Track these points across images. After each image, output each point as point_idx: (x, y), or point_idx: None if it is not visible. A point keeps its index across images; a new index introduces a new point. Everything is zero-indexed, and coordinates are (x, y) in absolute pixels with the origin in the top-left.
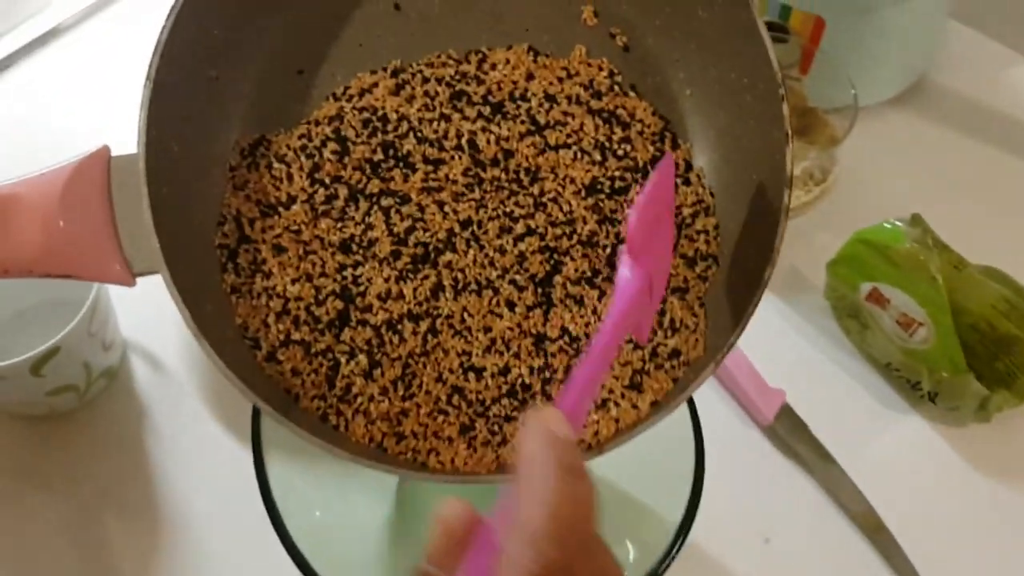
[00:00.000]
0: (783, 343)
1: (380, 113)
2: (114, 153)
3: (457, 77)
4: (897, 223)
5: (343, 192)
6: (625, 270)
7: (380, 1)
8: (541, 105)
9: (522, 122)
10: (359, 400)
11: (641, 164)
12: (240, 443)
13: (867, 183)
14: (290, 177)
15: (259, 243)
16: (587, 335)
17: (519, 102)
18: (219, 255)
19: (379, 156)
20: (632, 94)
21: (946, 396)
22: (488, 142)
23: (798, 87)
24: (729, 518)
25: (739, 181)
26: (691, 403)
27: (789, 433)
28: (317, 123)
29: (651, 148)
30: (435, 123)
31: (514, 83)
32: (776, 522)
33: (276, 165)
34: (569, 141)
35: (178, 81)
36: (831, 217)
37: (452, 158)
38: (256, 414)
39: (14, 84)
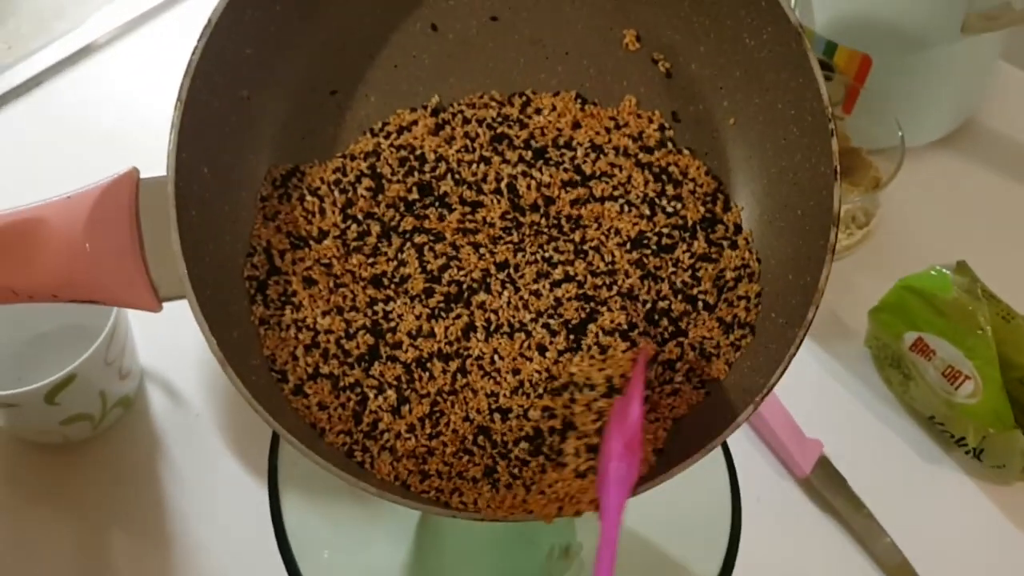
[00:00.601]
0: (822, 392)
1: (418, 152)
2: (143, 175)
3: (499, 119)
4: (944, 270)
5: (376, 229)
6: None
7: (416, 22)
8: (587, 155)
9: (565, 170)
10: (386, 436)
11: (690, 224)
12: (255, 478)
13: (911, 227)
14: (323, 211)
15: (289, 275)
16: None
17: (563, 149)
18: (248, 286)
19: (414, 195)
20: (686, 152)
21: (992, 453)
22: (528, 187)
23: (841, 126)
24: (764, 573)
25: (783, 216)
26: (728, 456)
27: (826, 486)
28: (352, 158)
29: (702, 208)
30: (474, 165)
31: (559, 130)
32: None
33: (309, 198)
34: (616, 193)
35: (210, 102)
36: (873, 262)
37: (491, 201)
38: (273, 450)
39: (45, 102)
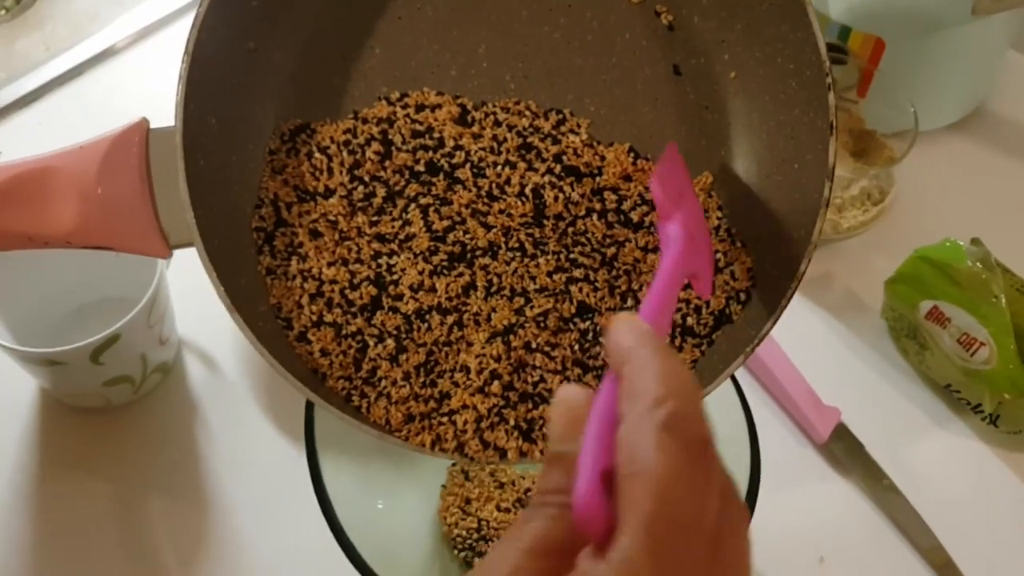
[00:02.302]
0: (839, 363)
1: (436, 135)
2: (152, 126)
3: (530, 130)
4: (959, 241)
5: (381, 192)
6: (667, 227)
7: None
8: (636, 206)
9: (612, 213)
10: (383, 383)
11: (712, 310)
12: (289, 441)
13: (925, 207)
14: (330, 170)
15: (296, 227)
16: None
17: (608, 191)
18: (255, 237)
19: (421, 168)
20: (739, 244)
21: (1007, 418)
22: (556, 199)
23: (856, 109)
24: (783, 535)
25: (780, 170)
26: (748, 413)
27: (845, 452)
28: (365, 121)
29: (723, 299)
30: (499, 167)
31: (614, 176)
32: (831, 540)
33: (317, 155)
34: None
35: (216, 54)
36: (888, 239)
37: (514, 203)
38: (309, 408)
39: (62, 104)
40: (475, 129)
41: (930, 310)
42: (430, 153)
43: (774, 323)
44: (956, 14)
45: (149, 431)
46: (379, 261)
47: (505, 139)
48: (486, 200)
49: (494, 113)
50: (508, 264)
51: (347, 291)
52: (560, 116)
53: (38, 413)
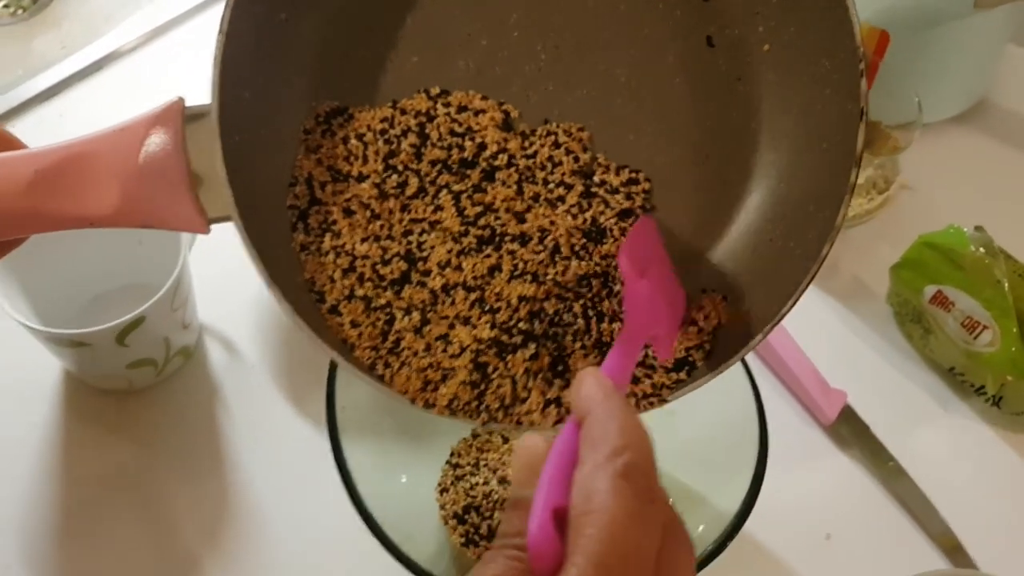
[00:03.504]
0: (845, 348)
1: (478, 139)
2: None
3: (598, 183)
4: (962, 228)
5: (414, 182)
6: (632, 294)
7: None
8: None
9: None
10: (405, 353)
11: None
12: (308, 422)
13: (929, 196)
14: (365, 157)
15: (329, 205)
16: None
17: None
18: (290, 215)
19: (454, 162)
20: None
21: (1010, 400)
22: (614, 236)
23: None
24: (790, 513)
25: (808, 148)
26: (757, 396)
27: (851, 434)
28: (403, 112)
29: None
30: (551, 186)
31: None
32: (837, 519)
33: (353, 141)
34: None
35: (249, 28)
36: (893, 227)
37: (563, 216)
38: (331, 384)
39: (81, 97)
40: (529, 142)
41: (934, 295)
42: (466, 152)
43: (794, 303)
44: (958, 7)
45: (171, 413)
46: (409, 239)
47: (561, 161)
48: (529, 202)
49: (555, 134)
50: (536, 255)
51: (378, 266)
52: (632, 175)
53: (63, 395)
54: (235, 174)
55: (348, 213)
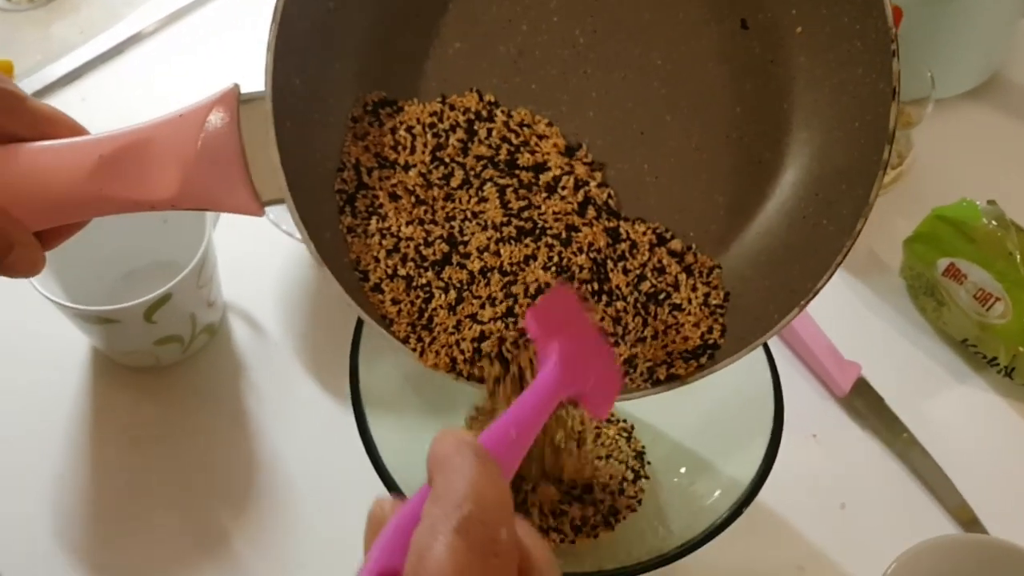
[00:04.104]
0: (859, 321)
1: (542, 159)
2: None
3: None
4: (974, 201)
5: (460, 174)
6: (544, 356)
7: None
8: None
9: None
10: (437, 330)
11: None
12: (332, 397)
13: (942, 171)
14: (413, 148)
15: (376, 190)
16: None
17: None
18: (338, 198)
19: (501, 161)
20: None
21: (1023, 371)
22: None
23: None
24: (805, 482)
25: (841, 127)
26: (773, 368)
27: (865, 406)
28: (452, 108)
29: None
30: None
31: None
32: (851, 489)
33: (402, 132)
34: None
35: (300, 16)
36: (906, 202)
37: (630, 228)
38: (354, 357)
39: (101, 82)
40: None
41: (947, 267)
42: (521, 161)
43: (829, 278)
44: None
45: (197, 389)
46: (452, 224)
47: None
48: (579, 220)
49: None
50: (577, 256)
51: (421, 247)
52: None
53: (91, 372)
54: (287, 158)
55: (394, 198)
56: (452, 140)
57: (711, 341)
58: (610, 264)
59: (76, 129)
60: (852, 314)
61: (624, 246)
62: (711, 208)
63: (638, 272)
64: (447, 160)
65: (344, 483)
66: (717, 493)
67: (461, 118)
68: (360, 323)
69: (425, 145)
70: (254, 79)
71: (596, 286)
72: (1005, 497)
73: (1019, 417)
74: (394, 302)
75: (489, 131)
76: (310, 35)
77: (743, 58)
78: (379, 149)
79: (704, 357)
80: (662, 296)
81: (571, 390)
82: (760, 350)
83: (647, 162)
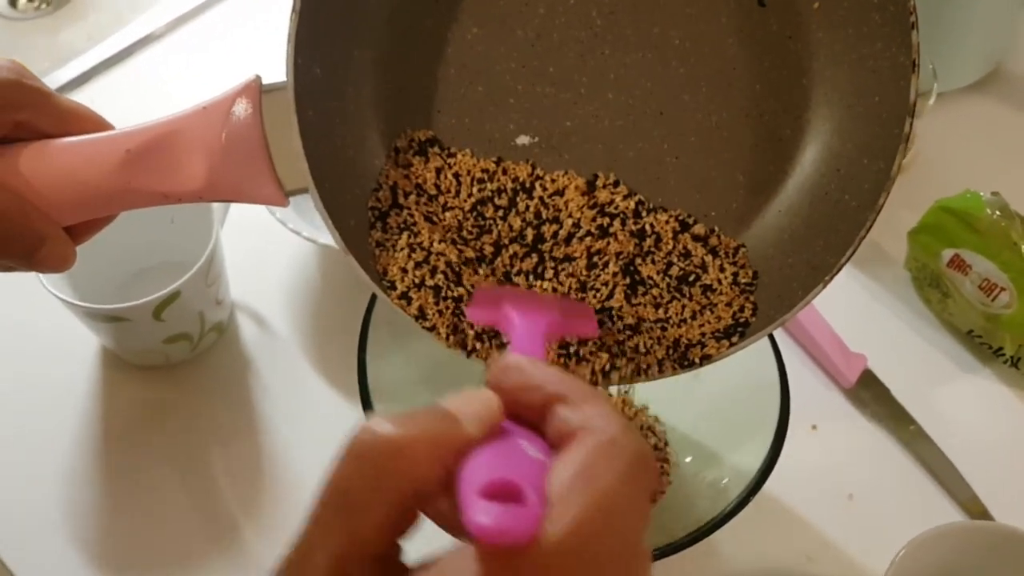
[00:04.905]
0: (865, 313)
1: (563, 224)
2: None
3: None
4: (979, 192)
5: (494, 231)
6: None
7: None
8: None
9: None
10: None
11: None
12: (339, 393)
13: (946, 163)
14: (457, 193)
15: (412, 210)
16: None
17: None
18: (370, 215)
19: (529, 234)
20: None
21: None
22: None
23: None
24: (812, 473)
25: (861, 102)
26: (779, 359)
27: (872, 397)
28: (505, 172)
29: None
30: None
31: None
32: (859, 479)
33: (449, 177)
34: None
35: (320, 7)
36: (910, 194)
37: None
38: (361, 352)
39: (110, 85)
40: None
41: (952, 258)
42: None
43: (852, 253)
44: None
45: (206, 386)
46: (482, 240)
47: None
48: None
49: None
50: (603, 272)
51: (453, 263)
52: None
53: (101, 371)
54: (309, 147)
55: (428, 220)
56: (496, 202)
57: (743, 319)
58: (638, 261)
59: (102, 124)
60: (857, 306)
61: (649, 242)
62: (732, 187)
63: (666, 261)
64: (486, 214)
65: None
66: (724, 482)
67: (509, 185)
68: (368, 319)
69: (470, 196)
70: (263, 79)
71: (629, 280)
72: (1012, 486)
73: None
74: (421, 312)
75: (527, 206)
76: (330, 24)
77: (761, 35)
78: (420, 181)
79: (736, 336)
80: (692, 278)
81: (549, 327)
82: (766, 341)
83: (667, 142)
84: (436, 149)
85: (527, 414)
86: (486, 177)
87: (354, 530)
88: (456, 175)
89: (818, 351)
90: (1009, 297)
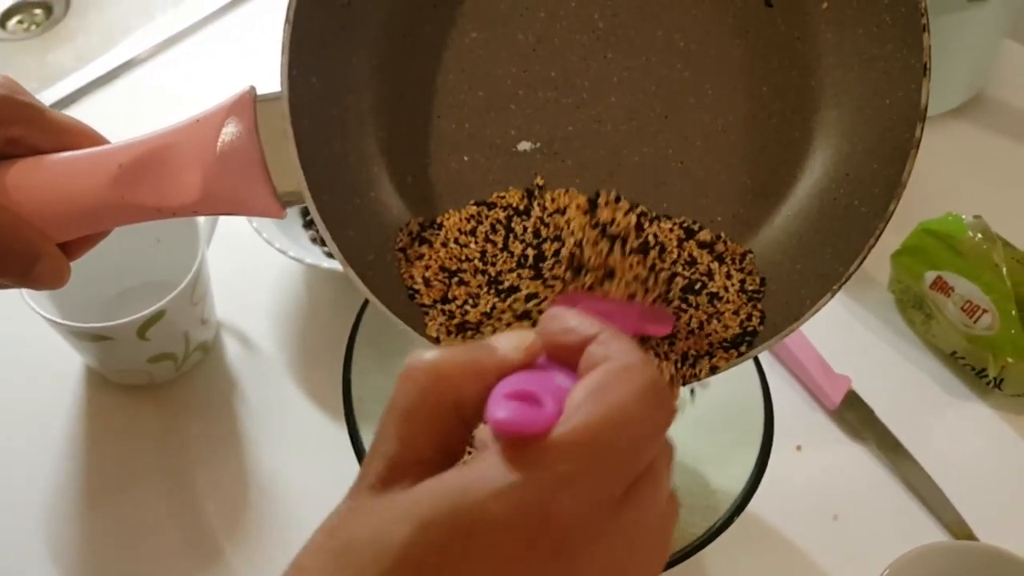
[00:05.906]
0: (849, 335)
1: (566, 243)
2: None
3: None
4: (960, 215)
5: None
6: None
7: None
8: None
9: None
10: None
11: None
12: (324, 413)
13: (929, 187)
14: (465, 257)
15: (443, 288)
16: None
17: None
18: (397, 256)
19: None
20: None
21: (1011, 382)
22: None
23: None
24: (797, 494)
25: (871, 104)
26: (763, 380)
27: (857, 418)
28: (490, 207)
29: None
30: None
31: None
32: (844, 500)
33: (452, 246)
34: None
35: (313, 15)
36: (894, 217)
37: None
38: (347, 370)
39: (88, 113)
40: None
41: (934, 280)
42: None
43: (862, 260)
44: (953, 1)
45: (191, 406)
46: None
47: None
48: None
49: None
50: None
51: (470, 300)
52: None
53: (84, 390)
54: (306, 157)
55: (462, 284)
56: (494, 239)
57: (750, 328)
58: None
59: (96, 138)
60: (841, 328)
61: (654, 253)
62: (739, 192)
63: (671, 271)
64: (499, 245)
65: (338, 497)
66: (707, 503)
67: (502, 215)
68: (353, 339)
69: (476, 245)
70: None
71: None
72: (996, 507)
73: (1009, 428)
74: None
75: (524, 228)
76: (324, 34)
77: (768, 36)
78: (441, 263)
79: (743, 345)
80: (698, 286)
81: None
82: (751, 362)
83: (671, 146)
84: (431, 230)
85: (565, 356)
86: (475, 223)
87: (403, 436)
88: (456, 240)
89: (803, 372)
90: (991, 319)
